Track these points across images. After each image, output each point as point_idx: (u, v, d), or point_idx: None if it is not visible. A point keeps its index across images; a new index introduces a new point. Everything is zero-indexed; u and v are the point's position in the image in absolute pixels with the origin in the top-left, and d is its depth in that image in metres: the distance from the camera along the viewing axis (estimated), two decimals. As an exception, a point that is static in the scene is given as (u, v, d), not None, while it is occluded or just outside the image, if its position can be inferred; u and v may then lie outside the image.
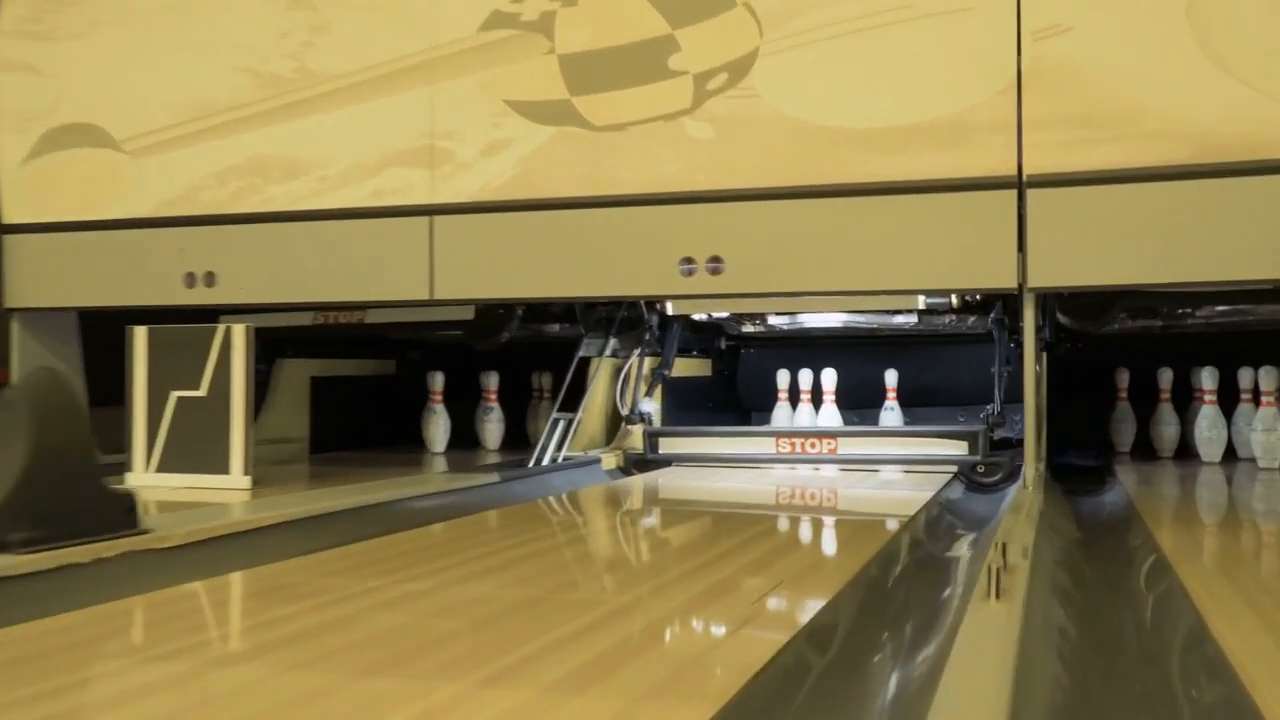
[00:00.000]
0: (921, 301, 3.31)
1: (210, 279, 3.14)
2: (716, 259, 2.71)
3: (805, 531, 2.56)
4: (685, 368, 4.24)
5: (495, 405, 4.44)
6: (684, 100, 2.74)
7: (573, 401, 3.93)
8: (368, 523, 2.53)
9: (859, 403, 4.10)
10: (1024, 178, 2.55)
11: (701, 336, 4.29)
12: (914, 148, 2.60)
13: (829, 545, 2.40)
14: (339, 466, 3.89)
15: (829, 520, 2.82)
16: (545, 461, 3.55)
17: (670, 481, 3.46)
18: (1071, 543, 2.35)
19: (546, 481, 3.36)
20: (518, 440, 4.37)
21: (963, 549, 2.43)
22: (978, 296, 3.54)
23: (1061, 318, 3.25)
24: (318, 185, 3.02)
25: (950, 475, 3.28)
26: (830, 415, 3.92)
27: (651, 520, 2.93)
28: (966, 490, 3.29)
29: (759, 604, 1.60)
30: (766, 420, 4.04)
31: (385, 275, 2.97)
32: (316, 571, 1.92)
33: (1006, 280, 2.58)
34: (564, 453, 3.58)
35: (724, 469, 3.58)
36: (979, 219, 2.58)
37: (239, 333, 3.01)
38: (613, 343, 3.89)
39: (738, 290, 2.69)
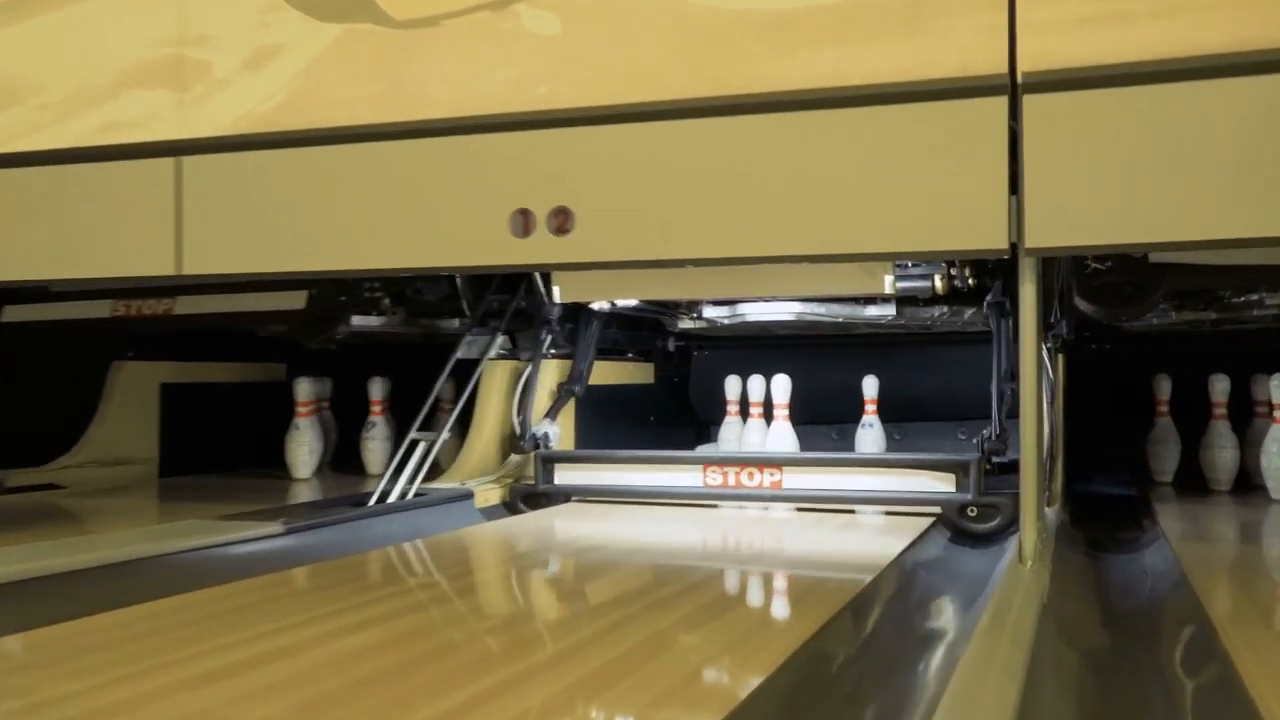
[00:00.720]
0: (889, 284, 2.42)
1: (-99, 250, 2.28)
2: (563, 211, 1.83)
3: (688, 615, 1.67)
4: (618, 373, 3.41)
5: (380, 420, 3.63)
6: (519, -22, 1.86)
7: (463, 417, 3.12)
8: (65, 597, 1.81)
9: (837, 416, 3.41)
10: (1019, 78, 1.68)
11: (638, 334, 3.44)
12: (853, 37, 1.73)
13: (713, 645, 1.51)
14: (145, 500, 3.21)
15: (729, 595, 1.93)
16: (395, 497, 2.66)
17: (558, 525, 2.61)
18: (1091, 658, 1.46)
19: (381, 527, 2.49)
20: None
21: (929, 654, 1.54)
22: (970, 280, 2.65)
23: (1083, 304, 2.36)
24: (36, 116, 2.17)
25: (937, 515, 2.48)
26: (782, 435, 3.06)
27: (500, 589, 2.06)
28: (953, 541, 2.43)
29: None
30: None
31: (120, 241, 2.11)
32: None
33: (992, 238, 1.69)
34: (416, 486, 2.69)
35: (637, 506, 2.76)
36: (951, 144, 1.71)
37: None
38: (500, 340, 3.02)
39: (593, 258, 1.81)
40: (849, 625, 1.60)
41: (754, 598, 1.95)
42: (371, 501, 2.64)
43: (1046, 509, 2.33)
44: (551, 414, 3.01)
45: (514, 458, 3.00)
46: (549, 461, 2.82)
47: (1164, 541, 2.22)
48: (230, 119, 2.03)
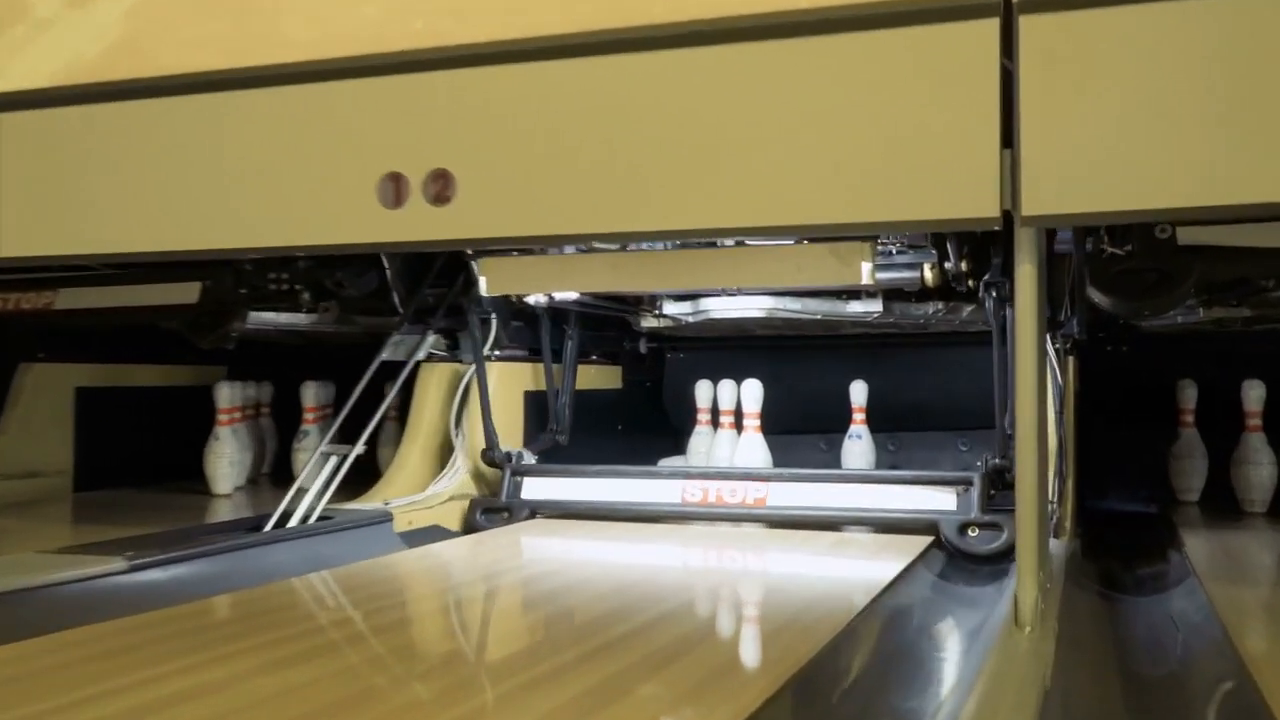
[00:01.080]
0: (866, 273, 2.06)
1: None
2: (442, 175, 1.46)
3: (643, 658, 1.37)
4: (580, 377, 3.07)
5: (313, 429, 3.27)
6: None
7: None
8: None
9: (825, 425, 3.11)
10: (1013, -6, 1.29)
11: (602, 334, 3.11)
12: (800, -51, 1.34)
13: (671, 693, 1.23)
14: (40, 520, 2.83)
15: (693, 633, 1.60)
16: (297, 520, 2.30)
17: (519, 544, 2.33)
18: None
19: (270, 557, 2.13)
20: (351, 474, 3.22)
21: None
22: (969, 281, 2.28)
23: (1097, 296, 1.99)
24: None
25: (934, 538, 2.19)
26: (752, 448, 2.72)
27: (422, 627, 1.75)
28: (950, 564, 2.12)
29: None
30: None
31: (-72, 218, 1.74)
32: None
33: (981, 203, 1.32)
34: (321, 506, 2.33)
35: (606, 526, 2.45)
36: (928, 83, 1.34)
37: None
38: (431, 340, 2.66)
39: (478, 233, 1.44)
40: (823, 675, 1.32)
41: (723, 635, 1.66)
42: (269, 526, 2.28)
43: (1053, 539, 1.97)
44: (533, 448, 2.70)
45: (452, 466, 2.66)
46: (516, 474, 2.55)
47: (1195, 580, 1.85)
48: (54, 67, 1.67)
